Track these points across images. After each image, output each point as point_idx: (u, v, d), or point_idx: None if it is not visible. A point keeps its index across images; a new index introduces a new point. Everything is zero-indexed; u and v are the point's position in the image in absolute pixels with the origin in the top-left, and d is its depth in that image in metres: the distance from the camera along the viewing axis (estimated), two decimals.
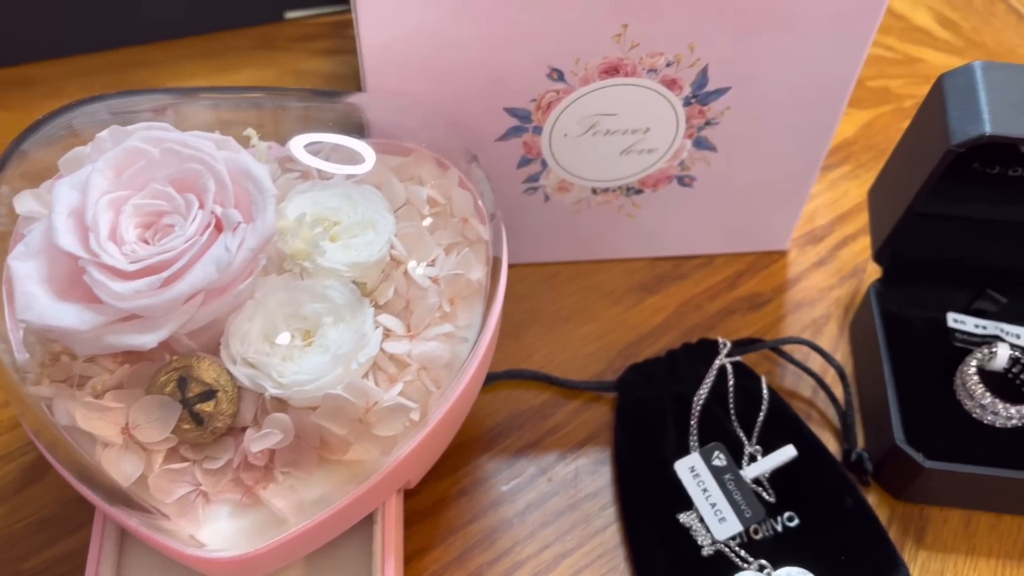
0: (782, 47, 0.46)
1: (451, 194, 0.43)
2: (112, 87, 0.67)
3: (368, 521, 0.40)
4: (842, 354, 0.54)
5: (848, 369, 0.53)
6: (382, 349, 0.38)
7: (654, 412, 0.49)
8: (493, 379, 0.51)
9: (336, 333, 0.37)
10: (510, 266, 0.57)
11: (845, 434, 0.50)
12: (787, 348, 0.53)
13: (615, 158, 0.51)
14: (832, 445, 0.50)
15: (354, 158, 0.43)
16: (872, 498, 0.48)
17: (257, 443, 0.35)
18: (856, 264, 0.59)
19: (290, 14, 0.72)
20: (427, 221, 0.41)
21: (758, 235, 0.58)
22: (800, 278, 0.58)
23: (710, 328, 0.55)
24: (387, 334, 0.38)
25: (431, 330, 0.39)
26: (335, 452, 0.37)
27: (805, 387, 0.52)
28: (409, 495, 0.47)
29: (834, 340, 0.55)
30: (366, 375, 0.37)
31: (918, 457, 0.45)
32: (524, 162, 0.50)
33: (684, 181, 0.53)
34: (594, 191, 0.53)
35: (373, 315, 0.38)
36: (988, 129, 0.42)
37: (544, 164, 0.51)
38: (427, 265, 0.41)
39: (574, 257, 0.58)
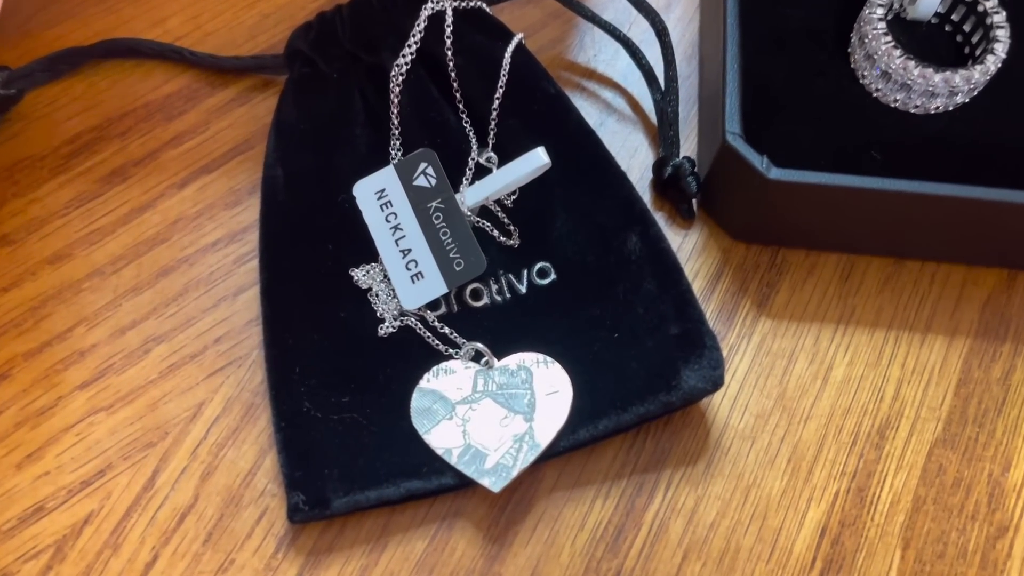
0: None
1: None
2: None
3: None
4: (685, 17, 0.33)
5: (689, 38, 0.33)
6: None
7: (331, 100, 0.29)
8: (80, 57, 0.30)
9: None
10: None
11: (661, 135, 0.30)
12: None
13: None
14: (647, 155, 0.30)
15: None
16: (699, 238, 0.29)
17: None
18: None
19: None
20: None
21: None
22: None
23: None
24: None
25: None
26: None
27: (618, 65, 0.32)
28: None
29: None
30: None
31: (758, 162, 0.26)
32: None
33: None
34: None
35: None
36: None
37: None
38: None
39: None
